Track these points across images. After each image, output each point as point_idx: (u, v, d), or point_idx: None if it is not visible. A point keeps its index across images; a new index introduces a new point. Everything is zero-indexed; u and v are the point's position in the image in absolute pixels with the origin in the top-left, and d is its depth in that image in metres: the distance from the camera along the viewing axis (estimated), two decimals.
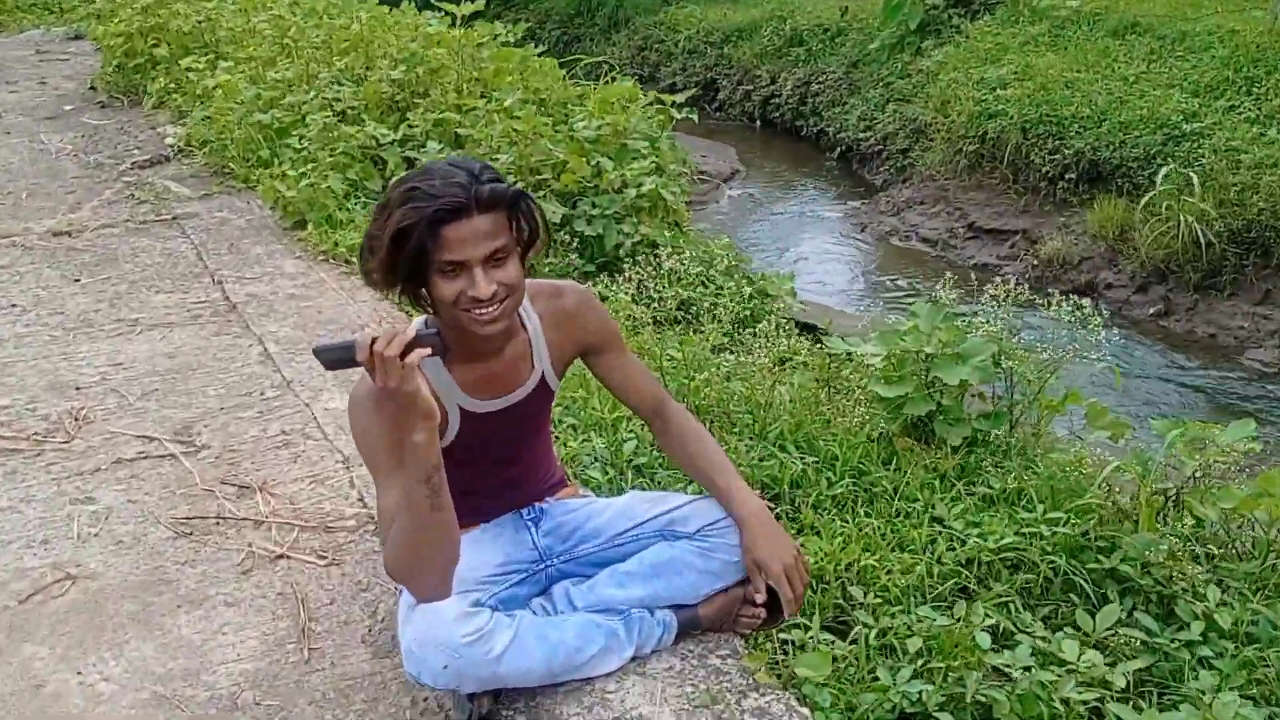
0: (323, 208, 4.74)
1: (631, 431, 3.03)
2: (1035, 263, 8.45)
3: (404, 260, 1.78)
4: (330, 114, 5.42)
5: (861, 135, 12.31)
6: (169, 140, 6.29)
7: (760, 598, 2.08)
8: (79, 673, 2.15)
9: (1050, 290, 8.74)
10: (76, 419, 3.16)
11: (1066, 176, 9.07)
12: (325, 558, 2.49)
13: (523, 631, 1.91)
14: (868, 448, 3.05)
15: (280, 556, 2.50)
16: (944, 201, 10.10)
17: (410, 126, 5.56)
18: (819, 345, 4.22)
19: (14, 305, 4.07)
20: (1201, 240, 7.46)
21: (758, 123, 13.96)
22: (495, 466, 2.11)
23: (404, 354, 1.67)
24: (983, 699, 2.17)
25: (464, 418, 2.00)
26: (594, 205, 5.10)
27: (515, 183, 2.00)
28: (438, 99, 5.82)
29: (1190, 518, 2.82)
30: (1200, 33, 10.24)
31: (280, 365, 3.51)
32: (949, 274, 3.50)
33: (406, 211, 1.76)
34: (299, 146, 5.32)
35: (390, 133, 5.46)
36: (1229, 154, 7.95)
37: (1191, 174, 7.81)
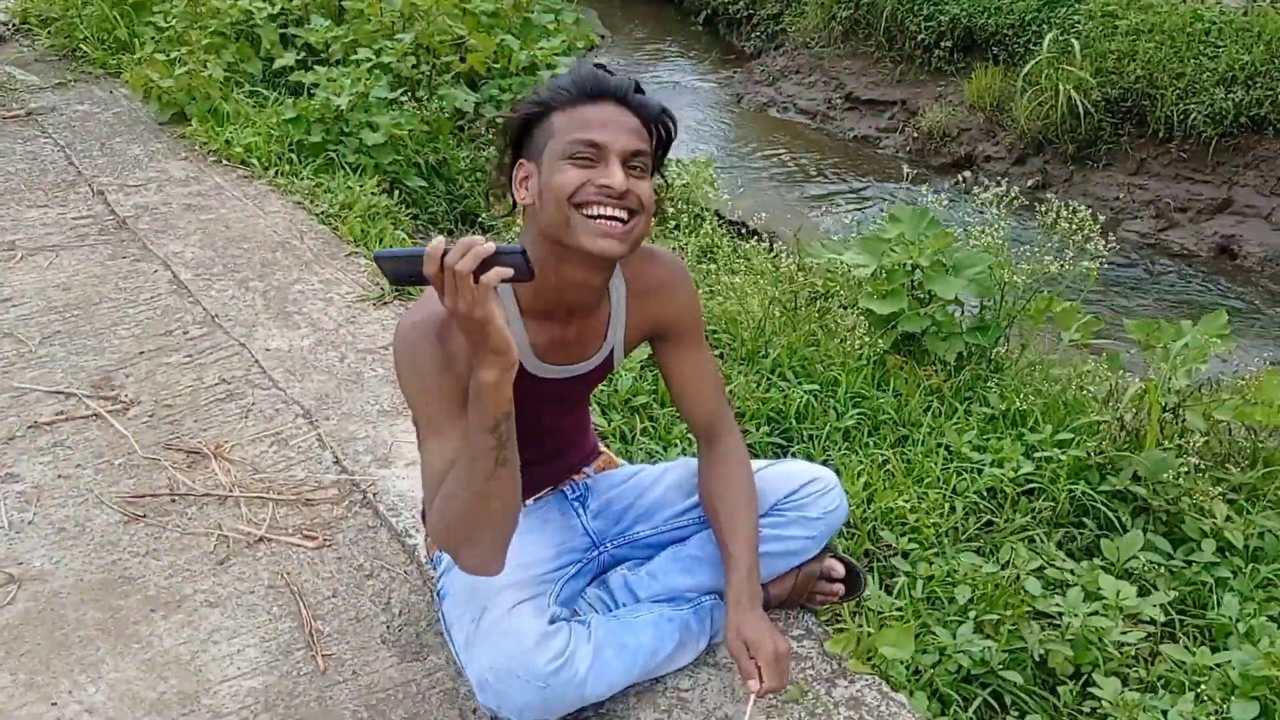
0: (205, 98, 4.18)
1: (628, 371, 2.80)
2: (915, 135, 8.37)
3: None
4: None
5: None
6: (1, 16, 5.44)
7: (837, 572, 1.92)
8: (54, 703, 1.84)
9: (931, 163, 8.57)
10: None
11: (942, 44, 8.93)
12: (314, 537, 2.20)
13: (600, 643, 1.71)
14: (863, 369, 2.90)
15: (260, 540, 2.20)
16: (820, 70, 9.87)
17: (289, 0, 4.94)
18: (768, 249, 4.03)
19: None
20: (1080, 110, 7.51)
21: None
22: (538, 435, 1.85)
23: (480, 271, 1.36)
24: (1041, 654, 2.11)
25: (521, 379, 1.68)
26: (501, 89, 4.69)
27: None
28: None
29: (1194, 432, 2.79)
30: None
31: (198, 295, 3.09)
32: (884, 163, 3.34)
33: (543, 91, 1.59)
34: (163, 25, 4.66)
35: (266, 5, 4.84)
36: (1105, 19, 7.95)
37: (1073, 39, 7.80)
